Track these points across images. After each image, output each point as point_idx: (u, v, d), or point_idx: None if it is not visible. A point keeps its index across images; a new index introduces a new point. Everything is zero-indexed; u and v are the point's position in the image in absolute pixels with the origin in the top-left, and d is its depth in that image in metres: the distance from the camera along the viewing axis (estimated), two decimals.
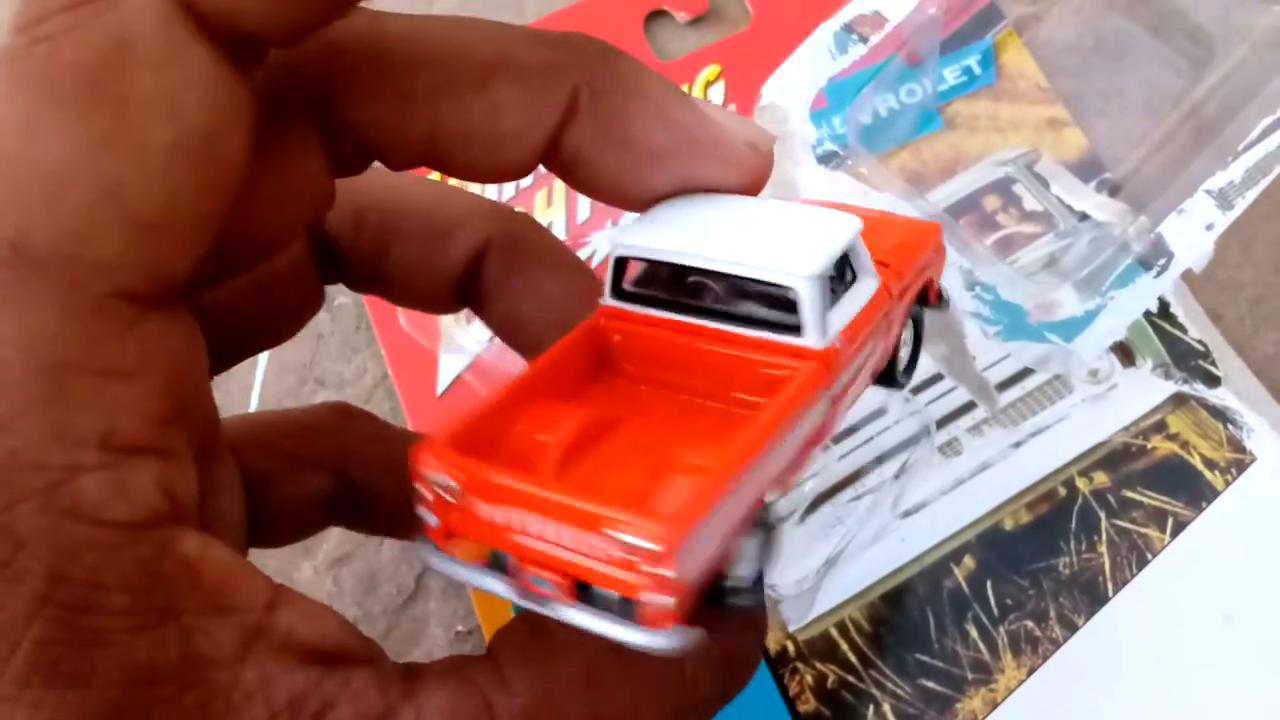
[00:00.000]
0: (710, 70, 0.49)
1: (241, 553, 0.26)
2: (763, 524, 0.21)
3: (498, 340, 0.44)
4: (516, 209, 0.30)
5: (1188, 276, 0.43)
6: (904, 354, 0.29)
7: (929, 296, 0.30)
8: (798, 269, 0.22)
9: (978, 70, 0.47)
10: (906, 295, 0.27)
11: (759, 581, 0.21)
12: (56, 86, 0.17)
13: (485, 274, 0.29)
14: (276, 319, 0.29)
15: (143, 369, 0.18)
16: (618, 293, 0.25)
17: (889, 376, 0.28)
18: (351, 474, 0.30)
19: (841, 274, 0.25)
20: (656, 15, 0.51)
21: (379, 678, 0.20)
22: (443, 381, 0.44)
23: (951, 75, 0.47)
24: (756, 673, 0.29)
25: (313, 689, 0.19)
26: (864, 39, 0.42)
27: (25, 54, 0.17)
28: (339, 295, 0.47)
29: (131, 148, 0.17)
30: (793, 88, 0.43)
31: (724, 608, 0.20)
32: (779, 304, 0.23)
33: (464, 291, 0.29)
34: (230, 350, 0.27)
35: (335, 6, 0.19)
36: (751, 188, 0.25)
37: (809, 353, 0.23)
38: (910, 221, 0.30)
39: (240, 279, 0.24)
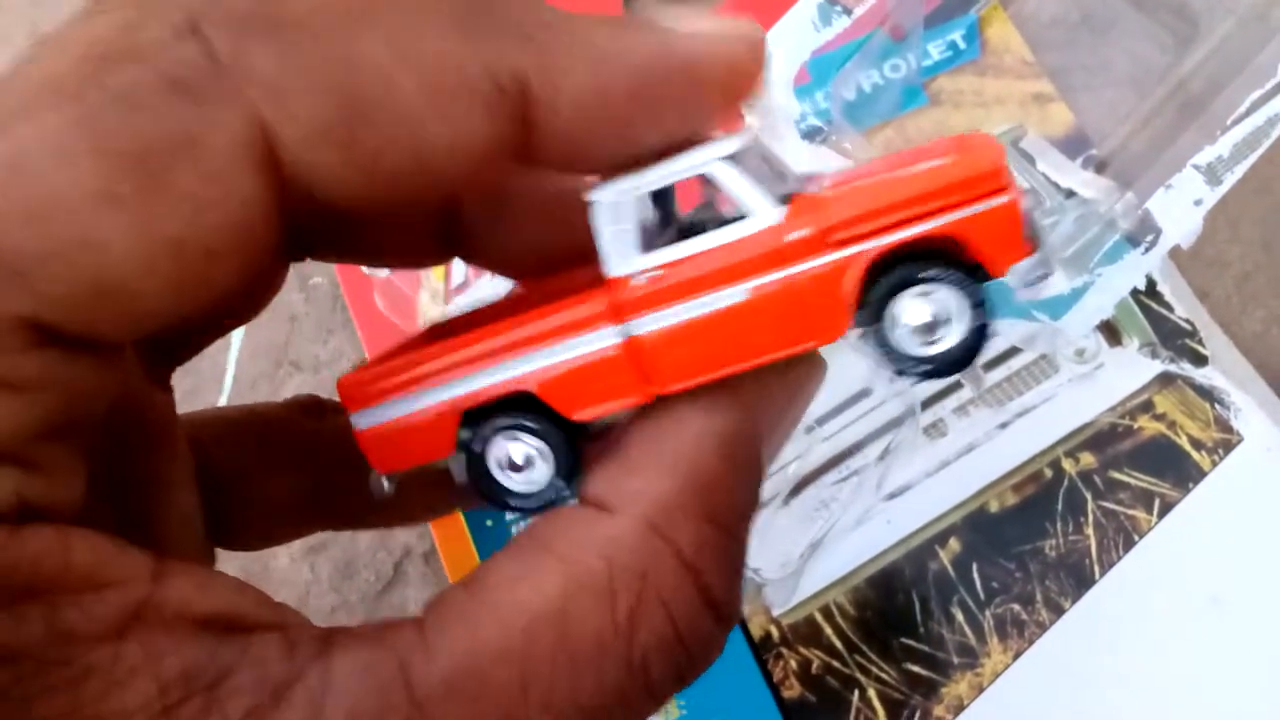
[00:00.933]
0: None
1: (202, 551, 0.26)
2: (464, 447, 0.24)
3: None
4: None
5: (1174, 254, 0.43)
6: (909, 330, 0.22)
7: (988, 266, 0.22)
8: (596, 191, 0.22)
9: (962, 45, 0.47)
10: (860, 248, 0.22)
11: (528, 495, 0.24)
12: (111, 142, 0.18)
13: (468, 221, 0.28)
14: (236, 303, 0.28)
15: (34, 387, 0.19)
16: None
17: (896, 357, 0.23)
18: (323, 471, 0.29)
19: (701, 217, 0.24)
20: None
21: (285, 643, 0.20)
22: None
23: (936, 50, 0.46)
24: (727, 657, 0.29)
25: (208, 658, 0.19)
26: (848, 11, 0.42)
27: (103, 100, 0.18)
28: (314, 275, 0.46)
29: (135, 224, 0.18)
30: (776, 60, 0.42)
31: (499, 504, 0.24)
32: None
33: (445, 242, 0.28)
34: (184, 336, 0.27)
35: (403, 191, 0.20)
36: (750, 90, 0.23)
37: (602, 280, 0.23)
38: (953, 156, 0.22)
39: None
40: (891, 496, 0.41)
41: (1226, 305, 0.43)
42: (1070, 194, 0.44)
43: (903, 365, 0.22)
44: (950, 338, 0.22)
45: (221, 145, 0.18)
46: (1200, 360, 0.42)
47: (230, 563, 0.41)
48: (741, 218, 0.22)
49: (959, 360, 0.22)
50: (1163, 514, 0.40)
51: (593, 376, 0.23)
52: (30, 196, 0.18)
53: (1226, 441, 0.41)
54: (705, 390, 0.23)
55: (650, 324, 0.22)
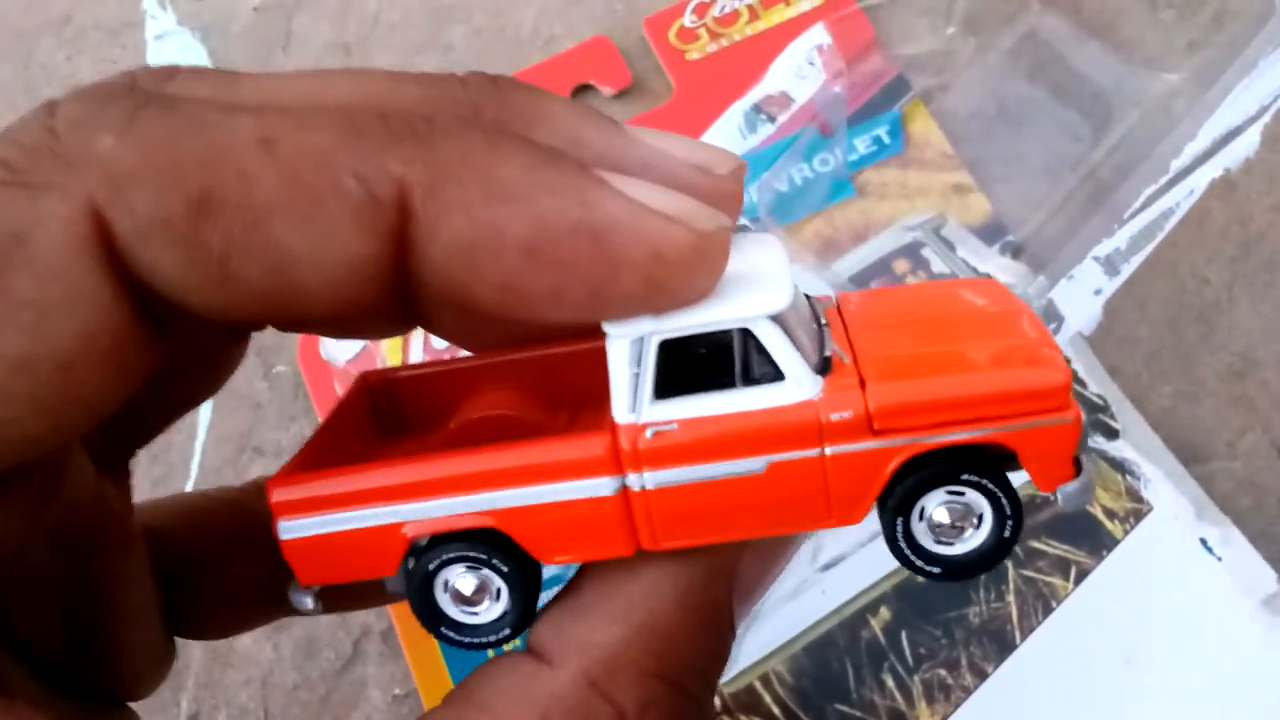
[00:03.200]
0: None
1: (161, 646, 0.25)
2: (407, 572, 0.21)
3: None
4: None
5: (1088, 335, 0.46)
6: (929, 527, 0.21)
7: (1035, 478, 0.21)
8: (617, 328, 0.20)
9: (887, 139, 0.50)
10: (901, 440, 0.20)
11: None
12: None
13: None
14: (193, 388, 0.26)
15: None
16: None
17: (902, 555, 0.22)
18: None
19: (719, 356, 0.21)
20: (583, 89, 0.53)
21: None
22: None
23: (862, 145, 0.50)
24: None
25: None
26: (771, 118, 0.45)
27: None
28: (277, 364, 0.48)
29: None
30: None
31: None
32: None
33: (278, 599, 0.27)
34: (145, 417, 0.25)
35: (267, 307, 0.18)
36: (686, 288, 0.20)
37: (609, 423, 0.21)
38: (1029, 359, 0.21)
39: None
40: (826, 567, 0.43)
41: (1136, 381, 0.46)
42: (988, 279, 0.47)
43: (913, 559, 0.21)
44: (972, 540, 0.21)
45: (55, 240, 0.16)
46: (1112, 434, 0.45)
47: (196, 643, 0.43)
48: (741, 378, 0.20)
49: (976, 564, 0.21)
50: (1079, 580, 0.42)
51: (578, 525, 0.21)
52: None
53: (1137, 510, 0.43)
54: None
55: (653, 480, 0.20)
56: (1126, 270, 0.41)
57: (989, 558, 0.21)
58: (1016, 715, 0.40)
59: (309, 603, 0.22)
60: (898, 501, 0.20)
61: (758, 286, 0.20)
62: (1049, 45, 0.53)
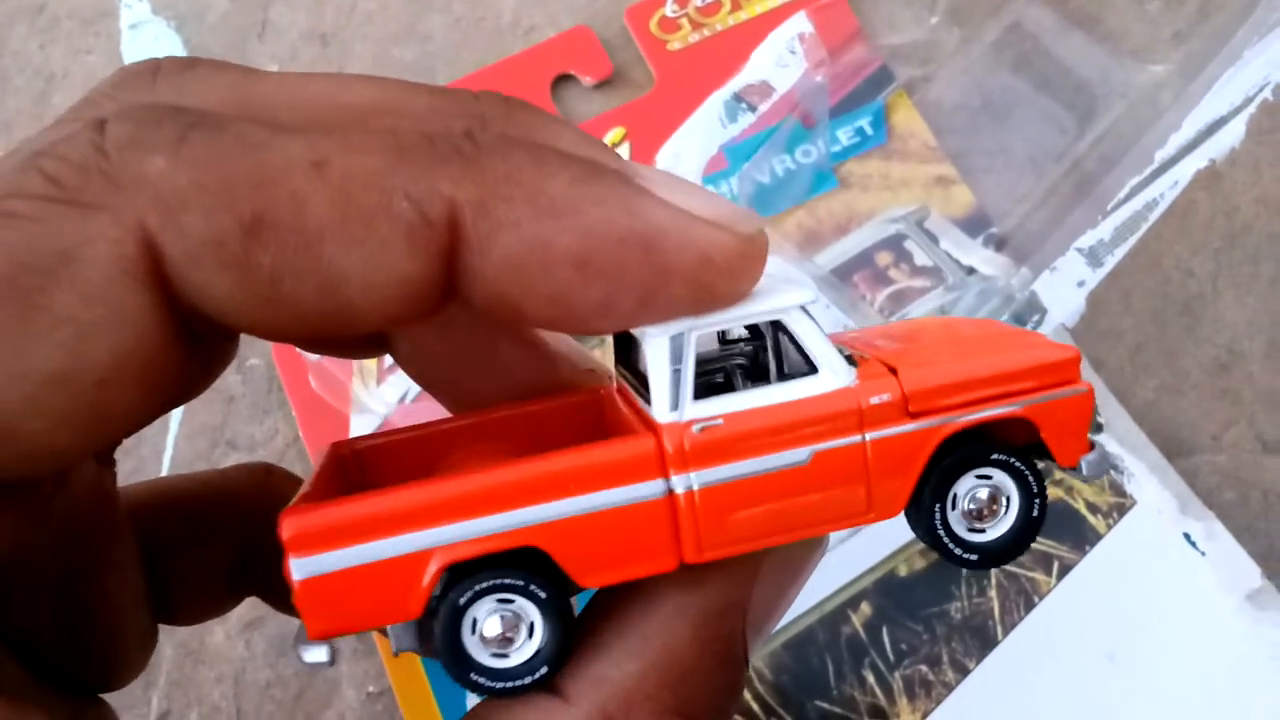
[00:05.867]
0: (616, 132, 0.51)
1: (148, 635, 0.25)
2: (433, 611, 0.19)
3: (405, 403, 0.45)
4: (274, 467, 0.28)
5: (1071, 327, 0.46)
6: (963, 514, 0.21)
7: (1054, 453, 0.22)
8: (653, 328, 0.20)
9: (870, 131, 0.49)
10: (936, 420, 0.21)
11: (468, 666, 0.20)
12: None
13: (265, 556, 0.25)
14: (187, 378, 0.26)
15: None
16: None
17: (943, 545, 0.22)
18: (262, 539, 0.26)
19: (751, 353, 0.22)
20: (563, 79, 0.53)
21: None
22: None
23: (845, 136, 0.49)
24: None
25: None
26: (752, 108, 0.44)
27: None
28: (251, 357, 0.47)
29: (14, 352, 0.16)
30: (685, 155, 0.44)
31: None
32: None
33: (241, 583, 0.27)
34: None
35: (314, 326, 0.18)
36: (732, 291, 0.20)
37: (651, 423, 0.20)
38: (1038, 342, 0.23)
39: None
40: None
41: (1120, 375, 0.46)
42: (971, 271, 0.46)
43: (952, 548, 0.21)
44: (1002, 525, 0.21)
45: (102, 260, 0.16)
46: (1096, 428, 0.44)
47: (169, 637, 0.42)
48: (762, 372, 0.20)
49: (1010, 548, 0.21)
50: (1061, 575, 0.42)
51: (624, 537, 0.20)
52: None
53: (1120, 505, 0.43)
54: None
55: (700, 480, 0.20)
56: (1110, 262, 0.41)
57: (1021, 539, 0.21)
58: (998, 711, 0.40)
59: (324, 654, 0.20)
60: (934, 487, 0.21)
61: (782, 283, 0.20)
62: (1034, 37, 0.52)
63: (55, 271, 0.16)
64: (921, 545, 0.43)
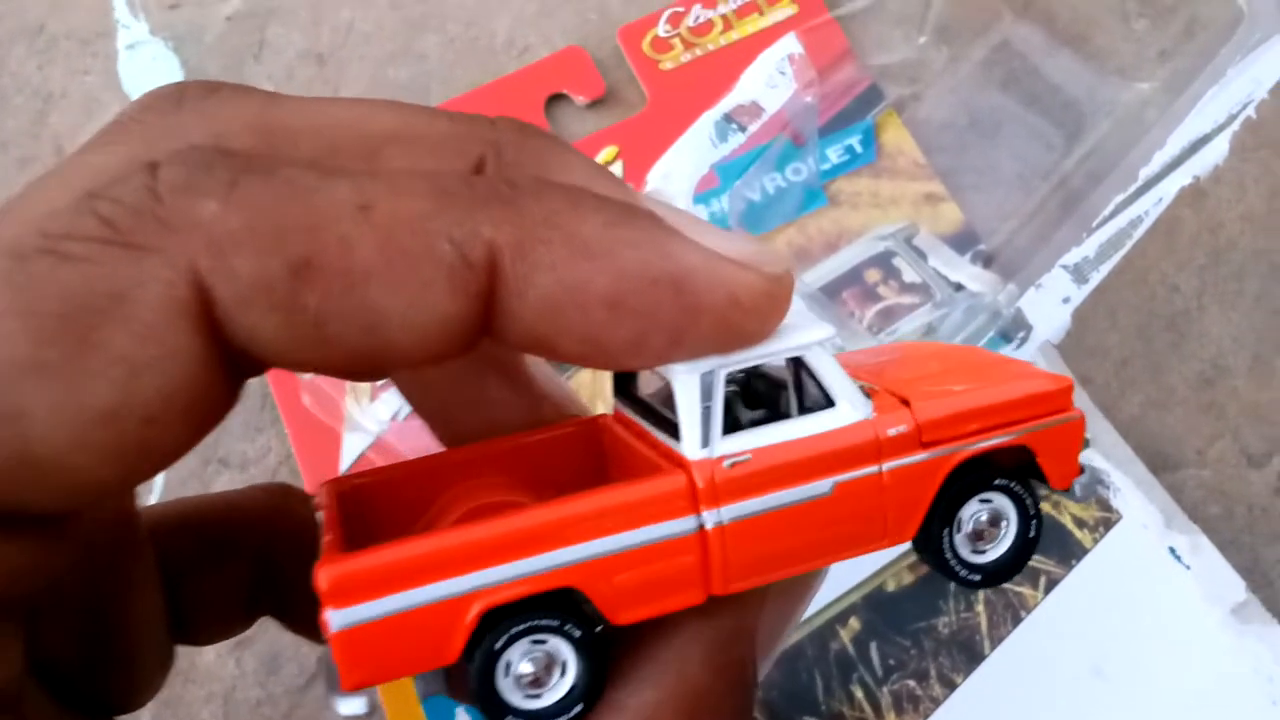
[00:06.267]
0: (608, 151, 0.51)
1: (166, 654, 0.25)
2: (468, 656, 0.20)
3: (398, 420, 0.45)
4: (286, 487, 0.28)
5: (1057, 343, 0.46)
6: (966, 536, 0.23)
7: (1049, 477, 0.23)
8: (682, 365, 0.20)
9: (859, 149, 0.50)
10: (947, 450, 0.22)
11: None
12: (36, 301, 0.16)
13: (280, 575, 0.26)
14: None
15: None
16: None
17: (950, 569, 0.23)
18: (278, 560, 0.27)
19: (776, 387, 0.22)
20: (556, 98, 0.53)
21: None
22: (345, 460, 0.45)
23: (835, 154, 0.50)
24: None
25: None
26: (742, 128, 0.45)
27: (31, 256, 0.17)
28: None
29: (63, 393, 0.17)
30: (676, 175, 0.45)
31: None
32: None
33: (256, 604, 0.27)
34: None
35: (355, 364, 0.18)
36: (759, 330, 0.20)
37: (678, 459, 0.21)
38: (1032, 372, 0.24)
39: None
40: None
41: (1106, 390, 0.46)
42: (959, 287, 0.47)
43: (958, 569, 0.22)
44: (1001, 545, 0.22)
45: (155, 302, 0.17)
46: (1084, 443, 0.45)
47: None
48: (765, 408, 0.21)
49: (1009, 567, 0.22)
50: (1048, 590, 0.42)
51: (655, 572, 0.20)
52: None
53: (1106, 519, 0.43)
54: None
55: (730, 514, 0.20)
56: (1095, 278, 0.41)
57: (1019, 558, 0.23)
58: None
59: (361, 706, 0.21)
60: (943, 512, 0.22)
61: (799, 320, 0.21)
62: (1022, 55, 0.53)
63: (109, 312, 0.17)
64: (910, 560, 0.43)
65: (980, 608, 0.42)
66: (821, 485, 0.21)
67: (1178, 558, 0.42)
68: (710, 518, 0.20)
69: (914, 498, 0.21)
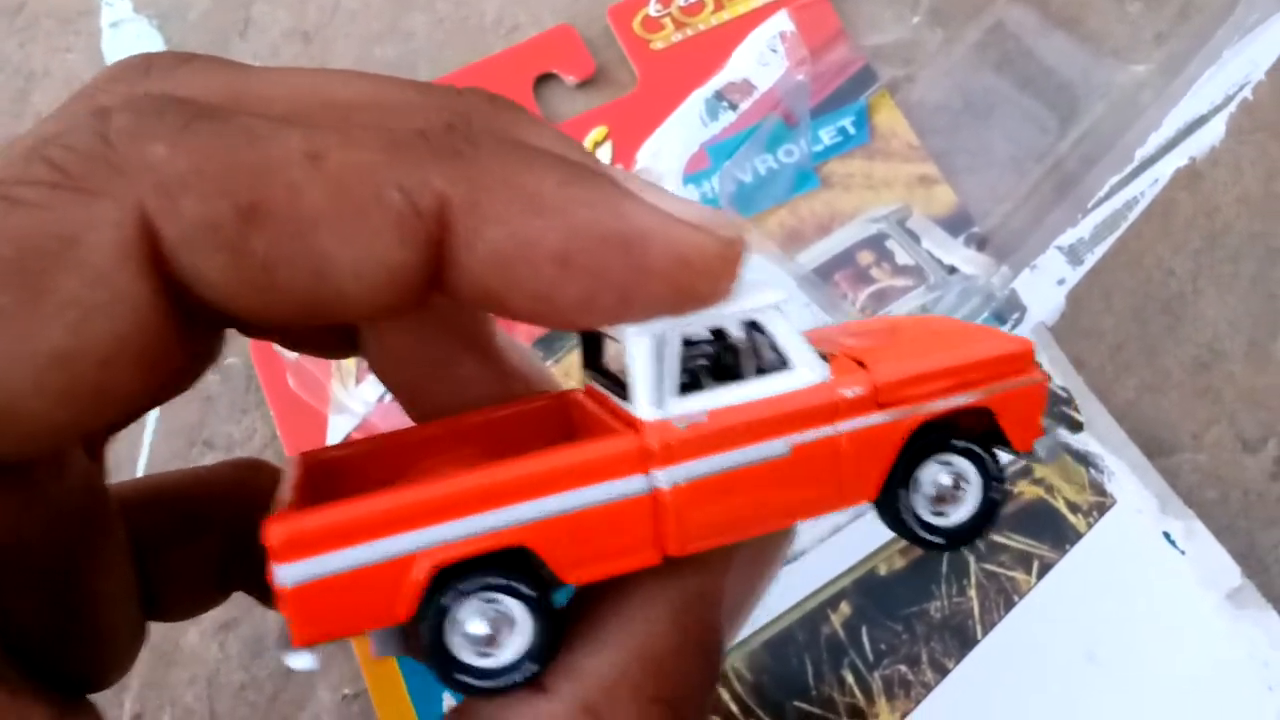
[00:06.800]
0: (598, 131, 0.51)
1: (137, 632, 0.25)
2: (419, 614, 0.19)
3: (384, 402, 0.44)
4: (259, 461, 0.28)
5: (1051, 325, 0.45)
6: (928, 498, 0.22)
7: (1011, 439, 0.23)
8: (634, 327, 0.20)
9: (852, 130, 0.49)
10: (904, 411, 0.22)
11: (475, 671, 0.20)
12: None
13: (255, 550, 0.26)
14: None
15: None
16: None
17: (909, 530, 0.23)
18: (249, 534, 0.26)
19: (733, 350, 0.22)
20: (546, 78, 0.52)
21: None
22: (331, 442, 0.45)
23: (828, 136, 0.49)
24: None
25: None
26: (734, 106, 0.44)
27: None
28: (229, 355, 0.47)
29: (20, 333, 0.17)
30: (665, 154, 0.44)
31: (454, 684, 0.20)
32: None
33: (227, 578, 0.27)
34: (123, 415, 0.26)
35: (304, 314, 0.18)
36: (710, 293, 0.20)
37: (632, 421, 0.21)
38: (995, 335, 0.24)
39: None
40: (786, 562, 0.43)
41: (1100, 374, 0.46)
42: (953, 270, 0.46)
43: (918, 531, 0.22)
44: (964, 509, 0.22)
45: (104, 245, 0.17)
46: (1076, 427, 0.44)
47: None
48: (733, 369, 0.21)
49: (971, 530, 0.22)
50: (1041, 574, 0.42)
51: (608, 532, 0.20)
52: None
53: (1100, 504, 0.43)
54: None
55: (684, 474, 0.20)
56: (1090, 260, 0.41)
57: (981, 521, 0.22)
58: (978, 711, 0.40)
59: (309, 661, 0.20)
60: (901, 474, 0.22)
61: (758, 284, 0.21)
62: (1016, 37, 0.52)
63: (60, 255, 0.17)
64: (901, 545, 0.42)
65: (973, 592, 0.41)
66: (778, 446, 0.21)
67: (1172, 543, 0.42)
68: (663, 478, 0.20)
69: (873, 460, 0.21)
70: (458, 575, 0.20)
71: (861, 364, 0.22)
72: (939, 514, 0.22)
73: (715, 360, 0.23)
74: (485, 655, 0.20)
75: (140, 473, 0.45)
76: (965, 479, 0.22)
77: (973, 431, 0.22)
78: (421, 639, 0.20)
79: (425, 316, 0.24)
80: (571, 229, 0.18)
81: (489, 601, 0.20)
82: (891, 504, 0.22)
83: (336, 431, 0.45)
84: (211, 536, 0.27)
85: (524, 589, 0.20)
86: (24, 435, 0.17)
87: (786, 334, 0.21)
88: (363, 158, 0.18)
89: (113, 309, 0.17)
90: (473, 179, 0.18)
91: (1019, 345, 0.23)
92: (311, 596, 0.19)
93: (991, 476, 0.22)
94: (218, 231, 0.17)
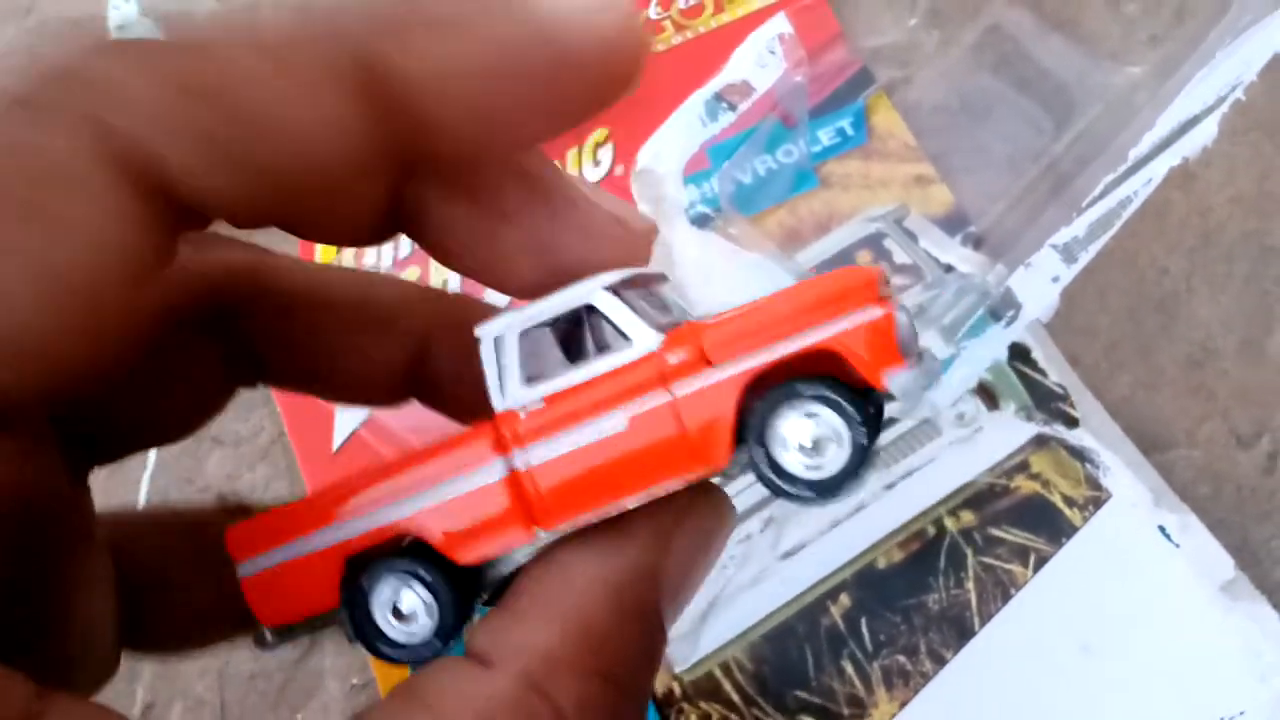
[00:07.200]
0: (600, 133, 0.52)
1: (108, 655, 0.25)
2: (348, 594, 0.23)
3: None
4: (452, 292, 0.29)
5: (1046, 323, 0.46)
6: (794, 451, 0.21)
7: (864, 376, 0.21)
8: (482, 326, 0.23)
9: (850, 131, 0.50)
10: (735, 367, 0.21)
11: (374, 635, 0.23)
12: None
13: (435, 365, 0.27)
14: (171, 418, 0.27)
15: None
16: None
17: (772, 484, 0.22)
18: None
19: (571, 335, 0.23)
20: None
21: None
22: (338, 438, 0.45)
23: (826, 136, 0.50)
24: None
25: None
26: (733, 107, 0.45)
27: None
28: None
29: (15, 259, 0.17)
30: (665, 154, 0.45)
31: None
32: None
33: (411, 384, 0.27)
34: (115, 444, 0.26)
35: (277, 192, 0.19)
36: (633, 70, 0.21)
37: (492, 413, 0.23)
38: (835, 275, 0.22)
39: (134, 377, 0.23)
40: (786, 555, 0.43)
41: (1096, 371, 0.46)
42: (949, 268, 0.47)
43: (789, 488, 0.21)
44: (835, 459, 0.21)
45: (77, 157, 0.17)
46: (1072, 423, 0.45)
47: None
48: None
49: (843, 480, 0.21)
50: (1037, 567, 0.42)
51: (476, 515, 0.22)
52: None
53: (1096, 498, 0.43)
54: (598, 536, 0.22)
55: (534, 456, 0.22)
56: (1084, 258, 0.42)
57: (855, 469, 0.21)
58: (975, 701, 0.40)
59: (268, 637, 0.24)
60: (755, 431, 0.21)
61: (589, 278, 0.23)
62: (1012, 39, 0.53)
63: (40, 174, 0.17)
64: (901, 538, 0.43)
65: (970, 584, 0.42)
66: (615, 420, 0.22)
67: (1167, 536, 0.42)
68: (517, 462, 0.22)
69: (714, 419, 0.21)
70: (366, 564, 0.23)
71: (695, 328, 0.22)
72: (813, 467, 0.21)
73: (566, 346, 0.24)
74: (405, 631, 0.23)
75: (150, 466, 0.46)
76: (834, 429, 0.21)
77: (817, 376, 0.21)
78: (343, 618, 0.23)
79: (479, 185, 0.23)
80: (489, 39, 0.19)
81: (403, 585, 0.23)
82: (755, 461, 0.22)
83: (343, 428, 0.45)
84: (206, 575, 0.26)
85: (422, 572, 0.23)
86: (34, 368, 0.18)
87: (618, 313, 0.22)
88: (299, 30, 0.19)
89: (98, 220, 0.18)
90: (388, 23, 0.19)
91: (858, 278, 0.21)
92: (263, 585, 0.23)
93: (853, 420, 0.21)
94: (171, 114, 0.18)
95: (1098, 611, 0.41)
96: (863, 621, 0.42)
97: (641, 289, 0.23)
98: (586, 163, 0.51)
